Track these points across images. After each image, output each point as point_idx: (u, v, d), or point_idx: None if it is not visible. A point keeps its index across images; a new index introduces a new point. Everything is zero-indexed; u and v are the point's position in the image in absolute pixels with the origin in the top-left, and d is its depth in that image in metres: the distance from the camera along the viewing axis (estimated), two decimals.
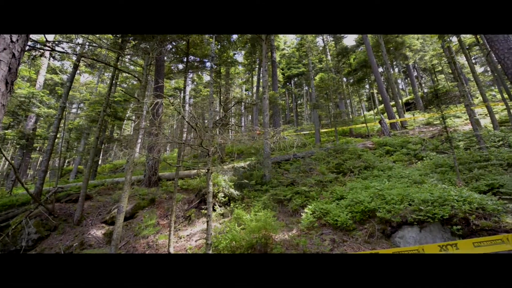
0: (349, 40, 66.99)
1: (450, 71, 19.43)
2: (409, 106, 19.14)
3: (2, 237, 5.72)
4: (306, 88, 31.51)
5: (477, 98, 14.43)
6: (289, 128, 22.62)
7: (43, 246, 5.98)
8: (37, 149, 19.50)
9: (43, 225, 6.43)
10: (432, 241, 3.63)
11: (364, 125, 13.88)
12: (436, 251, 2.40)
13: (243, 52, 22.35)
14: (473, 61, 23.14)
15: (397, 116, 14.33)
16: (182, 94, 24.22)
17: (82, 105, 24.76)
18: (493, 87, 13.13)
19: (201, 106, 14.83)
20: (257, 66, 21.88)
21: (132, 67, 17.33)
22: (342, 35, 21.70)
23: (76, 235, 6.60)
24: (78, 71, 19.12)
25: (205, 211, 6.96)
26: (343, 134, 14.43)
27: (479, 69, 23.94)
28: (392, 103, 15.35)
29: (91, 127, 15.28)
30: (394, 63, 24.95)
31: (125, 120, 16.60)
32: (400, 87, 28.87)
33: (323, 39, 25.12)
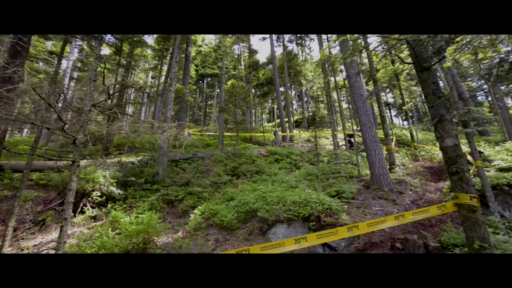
0: (262, 55, 73.93)
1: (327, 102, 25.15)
2: (298, 123, 23.04)
3: None
4: (218, 90, 31.96)
5: (340, 126, 19.30)
6: (195, 126, 22.09)
7: None
8: None
9: None
10: (295, 235, 4.43)
11: (262, 134, 15.51)
12: (292, 244, 2.93)
13: (155, 35, 20.06)
14: (342, 98, 30.80)
15: (288, 131, 16.91)
16: (66, 63, 18.90)
17: None
18: (351, 120, 18.14)
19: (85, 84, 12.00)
20: (169, 55, 20.21)
21: None
22: (255, 49, 23.66)
23: None
24: None
25: (64, 216, 5.56)
26: (244, 140, 15.53)
27: (344, 105, 32.09)
28: (286, 119, 18.06)
29: None
30: (292, 86, 29.58)
31: None
32: (294, 107, 34.38)
33: (239, 48, 26.40)
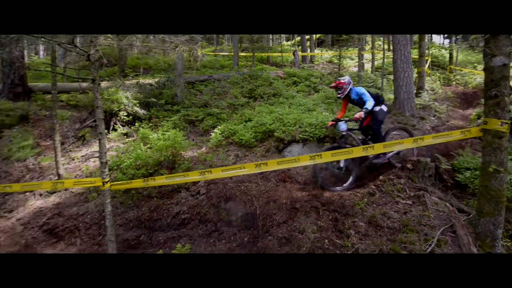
0: None
1: None
2: (320, 41, 20.66)
3: None
4: None
5: (369, 45, 17.07)
6: (208, 46, 20.58)
7: None
8: None
9: None
10: (308, 153, 4.74)
11: (280, 54, 14.31)
12: (307, 160, 3.17)
13: None
14: None
15: (309, 50, 15.39)
16: None
17: None
18: (381, 37, 15.77)
19: None
20: None
21: None
22: None
23: None
24: None
25: (98, 131, 6.16)
26: (261, 60, 14.54)
27: None
28: (308, 37, 16.07)
29: None
30: None
31: None
32: None
33: None
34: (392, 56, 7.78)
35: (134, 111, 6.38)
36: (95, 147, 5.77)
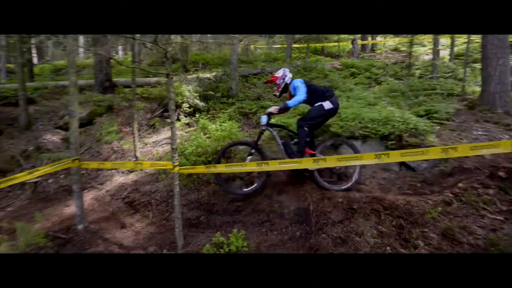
0: None
1: None
2: None
3: None
4: None
5: None
6: (260, 39, 20.68)
7: None
8: None
9: None
10: (369, 152, 4.38)
11: (337, 44, 13.41)
12: (372, 158, 2.93)
13: None
14: None
15: (370, 38, 14.01)
16: None
17: None
18: None
19: None
20: None
21: None
22: None
23: (29, 139, 6.18)
24: None
25: (170, 120, 6.90)
26: (314, 52, 13.92)
27: None
28: None
29: None
30: None
31: None
32: None
33: None
34: (480, 40, 6.43)
35: (194, 103, 6.93)
36: (162, 135, 6.52)
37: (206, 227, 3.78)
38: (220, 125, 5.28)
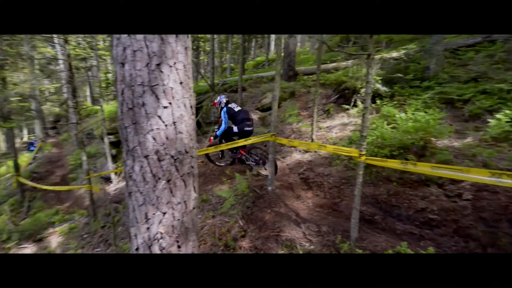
0: None
1: None
2: None
3: (200, 113, 8.43)
4: None
5: None
6: None
7: None
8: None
9: None
10: None
11: None
12: None
13: None
14: None
15: None
16: None
17: None
18: None
19: None
20: None
21: None
22: None
23: None
24: None
25: (346, 106, 6.74)
26: None
27: None
28: None
29: None
30: None
31: None
32: None
33: None
34: None
35: (375, 88, 6.22)
36: (336, 121, 6.55)
37: (383, 228, 3.37)
38: (413, 114, 4.34)
